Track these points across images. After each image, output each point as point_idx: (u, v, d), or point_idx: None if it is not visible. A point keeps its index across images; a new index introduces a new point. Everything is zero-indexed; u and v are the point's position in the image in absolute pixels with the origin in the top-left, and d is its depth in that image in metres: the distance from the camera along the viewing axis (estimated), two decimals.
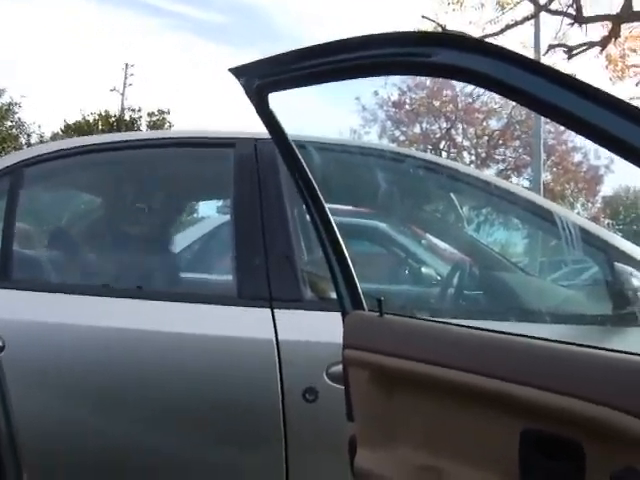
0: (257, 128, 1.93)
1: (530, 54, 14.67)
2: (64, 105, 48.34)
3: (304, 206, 1.91)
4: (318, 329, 2.28)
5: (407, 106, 27.19)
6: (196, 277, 3.24)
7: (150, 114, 27.58)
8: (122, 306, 2.47)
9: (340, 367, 1.86)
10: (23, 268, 2.68)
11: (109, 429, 2.33)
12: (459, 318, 2.35)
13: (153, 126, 26.44)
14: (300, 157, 1.81)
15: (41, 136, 26.47)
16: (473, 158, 27.31)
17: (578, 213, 24.41)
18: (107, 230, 3.21)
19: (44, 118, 46.27)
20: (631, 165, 1.15)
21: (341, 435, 1.84)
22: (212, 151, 2.85)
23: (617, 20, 12.84)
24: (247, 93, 1.69)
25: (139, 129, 25.44)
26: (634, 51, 14.15)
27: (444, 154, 26.57)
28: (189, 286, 2.96)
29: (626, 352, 1.34)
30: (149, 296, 2.53)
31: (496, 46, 1.36)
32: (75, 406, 2.35)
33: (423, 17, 14.53)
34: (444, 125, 27.57)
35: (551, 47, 14.25)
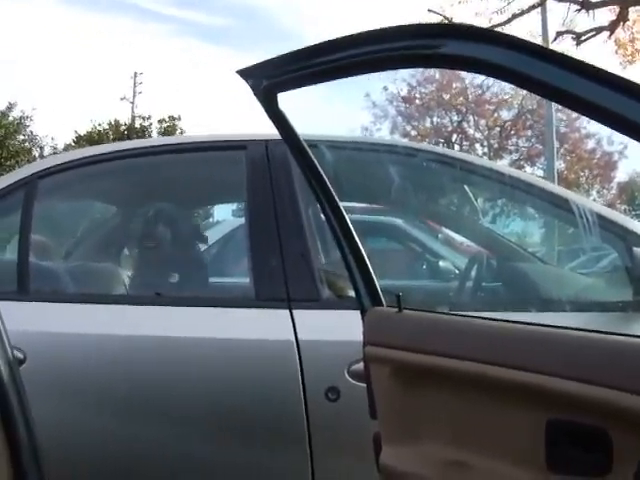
0: (268, 129, 1.93)
1: (538, 42, 14.60)
2: (75, 116, 48.62)
3: (318, 205, 1.91)
4: (337, 328, 2.27)
5: (417, 100, 27.18)
6: (214, 281, 3.24)
7: (160, 121, 27.68)
8: (141, 313, 2.47)
9: (361, 365, 1.86)
10: (41, 280, 2.69)
11: (133, 436, 2.33)
12: (479, 311, 2.34)
13: (164, 133, 26.52)
14: (312, 156, 1.80)
15: (54, 148, 26.61)
16: (486, 150, 27.25)
17: (594, 200, 24.29)
18: (123, 238, 3.22)
19: (56, 130, 46.53)
20: None
21: (365, 433, 1.83)
22: (223, 154, 2.86)
23: (624, 4, 12.76)
24: (255, 94, 1.69)
25: (150, 137, 25.52)
26: None
27: (456, 147, 26.51)
28: (208, 290, 2.96)
29: None
30: (168, 302, 2.54)
31: (506, 35, 1.35)
32: (99, 415, 2.35)
33: (429, 11, 14.52)
34: (455, 118, 27.54)
35: (559, 34, 14.18)
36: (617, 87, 1.15)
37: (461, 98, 26.71)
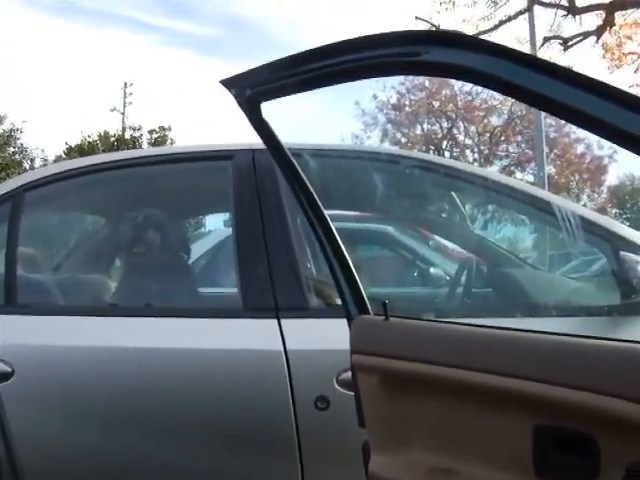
0: (256, 138, 1.93)
1: (526, 48, 14.67)
2: (66, 127, 48.57)
3: (303, 214, 1.90)
4: (326, 336, 2.27)
5: (407, 108, 27.21)
6: (203, 291, 3.23)
7: (151, 131, 27.66)
8: (130, 325, 2.46)
9: (350, 373, 1.85)
10: (28, 292, 2.68)
11: (123, 449, 2.32)
12: (468, 317, 2.34)
13: (154, 143, 26.49)
14: (296, 165, 1.80)
15: (44, 160, 26.55)
16: (476, 156, 27.30)
17: (584, 204, 24.36)
18: (111, 249, 3.21)
19: (46, 142, 46.49)
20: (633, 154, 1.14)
21: (355, 441, 1.82)
22: (210, 164, 2.85)
23: (611, 8, 12.83)
24: (239, 104, 1.69)
25: (141, 147, 25.49)
26: (630, 38, 14.11)
27: (447, 154, 26.56)
28: (196, 301, 2.95)
29: (635, 341, 1.32)
30: (157, 314, 2.53)
31: (488, 42, 1.35)
32: (88, 428, 2.34)
33: (417, 18, 14.55)
34: (445, 125, 27.58)
35: (546, 39, 14.24)
36: (600, 93, 1.15)
37: (451, 105, 26.76)
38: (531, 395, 1.38)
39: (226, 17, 46.01)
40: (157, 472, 2.33)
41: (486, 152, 27.19)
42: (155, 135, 27.46)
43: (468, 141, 27.80)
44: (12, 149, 25.69)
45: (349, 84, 1.57)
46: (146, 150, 9.35)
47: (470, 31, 14.07)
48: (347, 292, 1.84)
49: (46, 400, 2.35)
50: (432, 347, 1.60)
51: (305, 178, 1.81)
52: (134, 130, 28.31)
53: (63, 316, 2.53)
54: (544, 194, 2.74)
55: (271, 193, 2.54)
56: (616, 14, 13.08)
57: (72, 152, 25.73)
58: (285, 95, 1.64)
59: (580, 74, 1.18)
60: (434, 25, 14.18)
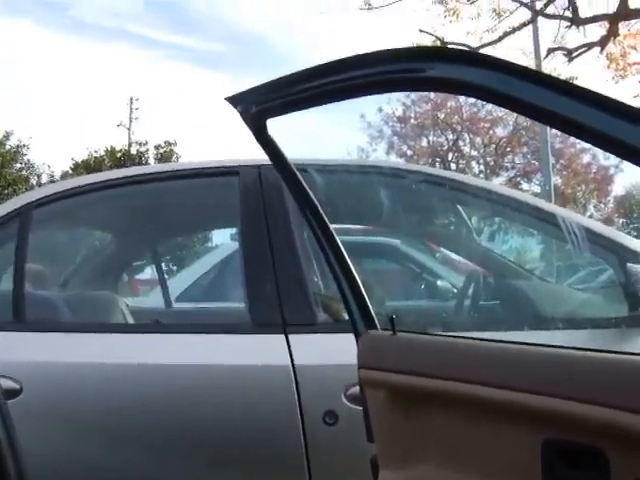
0: (262, 154, 1.93)
1: (530, 60, 14.70)
2: (72, 143, 48.64)
3: (310, 229, 1.91)
4: (334, 351, 2.27)
5: (412, 120, 27.26)
6: (211, 307, 3.24)
7: (157, 147, 27.71)
8: (139, 341, 2.47)
9: (358, 388, 1.85)
10: (37, 309, 2.69)
11: (131, 466, 2.32)
12: (476, 330, 2.34)
13: (161, 159, 26.50)
14: (302, 181, 1.81)
15: (51, 176, 26.60)
16: (482, 167, 27.31)
17: (591, 214, 24.32)
18: (119, 265, 3.22)
19: (53, 158, 46.64)
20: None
21: (364, 456, 1.82)
22: (217, 180, 2.87)
23: (614, 19, 12.82)
24: (245, 121, 1.70)
25: (147, 162, 25.54)
26: (634, 48, 14.12)
27: (453, 165, 26.57)
28: (205, 317, 2.96)
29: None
30: (165, 330, 2.54)
31: (493, 57, 1.35)
32: (96, 445, 2.34)
33: (421, 31, 14.56)
34: (451, 137, 27.61)
35: (550, 51, 14.23)
36: (602, 106, 1.16)
37: (456, 117, 26.80)
38: (539, 409, 1.37)
39: (230, 32, 46.17)
40: None
41: (492, 164, 27.20)
42: (161, 150, 27.49)
43: (474, 153, 27.83)
44: (19, 165, 25.73)
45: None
46: (153, 167, 9.40)
47: (474, 43, 14.09)
48: (354, 307, 1.84)
49: (55, 417, 2.35)
50: (440, 362, 1.60)
51: (311, 193, 1.82)
52: (140, 145, 28.35)
53: (72, 333, 2.54)
54: (550, 206, 2.74)
55: (277, 208, 2.54)
56: (620, 24, 13.08)
57: (78, 168, 25.76)
58: (290, 112, 1.65)
59: (581, 87, 1.19)
60: (438, 38, 14.20)
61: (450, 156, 27.53)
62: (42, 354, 2.42)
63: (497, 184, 15.85)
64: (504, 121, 26.31)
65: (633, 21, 13.58)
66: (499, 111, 25.22)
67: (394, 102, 25.63)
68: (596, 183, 26.46)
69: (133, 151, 27.65)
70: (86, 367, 2.38)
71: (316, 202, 1.82)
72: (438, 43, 13.78)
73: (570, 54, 13.78)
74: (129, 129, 29.72)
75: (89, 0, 41.65)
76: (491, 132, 26.86)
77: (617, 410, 1.25)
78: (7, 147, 25.14)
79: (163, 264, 3.51)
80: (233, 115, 1.71)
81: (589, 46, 13.65)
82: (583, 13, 13.06)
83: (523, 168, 26.80)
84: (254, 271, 2.52)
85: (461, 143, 27.68)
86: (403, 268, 4.33)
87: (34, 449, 2.30)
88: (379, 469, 1.74)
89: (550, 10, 13.81)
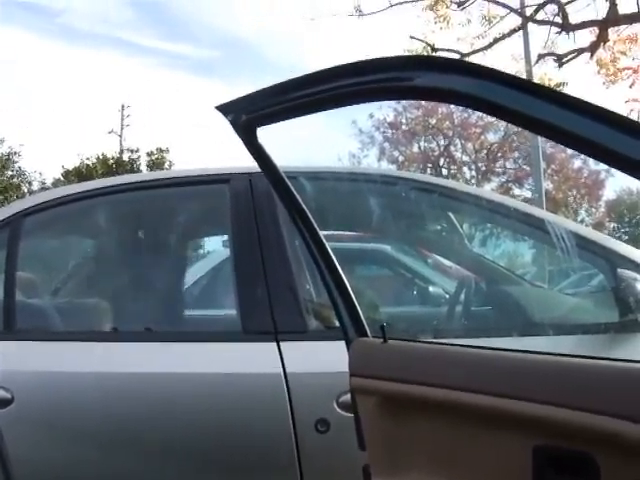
0: (253, 162, 1.94)
1: (521, 65, 14.74)
2: (63, 150, 48.59)
3: (300, 237, 1.91)
4: (326, 359, 2.27)
5: (404, 126, 27.32)
6: (202, 315, 3.24)
7: (149, 154, 27.65)
8: (130, 350, 2.46)
9: (350, 396, 1.85)
10: (27, 318, 2.68)
11: (123, 474, 2.31)
12: (467, 336, 2.34)
13: (152, 166, 26.45)
14: (292, 188, 1.81)
15: (42, 183, 26.53)
16: (474, 173, 27.37)
17: (582, 219, 24.38)
18: (109, 274, 3.21)
19: (44, 165, 46.53)
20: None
21: (356, 464, 1.82)
22: (207, 188, 2.87)
23: (604, 24, 12.87)
24: (235, 129, 1.70)
25: (138, 170, 25.48)
26: (624, 54, 14.16)
27: (444, 171, 26.63)
28: (196, 325, 2.95)
29: (632, 360, 1.33)
30: (157, 338, 2.53)
31: (480, 65, 1.36)
32: (88, 454, 2.33)
33: (411, 37, 14.56)
34: (442, 142, 27.67)
35: (541, 57, 14.27)
36: (588, 114, 1.16)
37: (447, 122, 26.86)
38: (530, 416, 1.38)
39: (222, 39, 46.24)
40: None
41: (483, 169, 27.26)
42: (153, 157, 27.45)
43: (465, 158, 27.89)
44: (10, 172, 25.64)
45: None
46: (144, 174, 9.39)
47: (465, 49, 14.12)
48: (345, 314, 1.84)
49: (46, 426, 2.35)
50: (431, 369, 1.60)
51: (301, 201, 1.82)
52: (132, 152, 28.30)
53: (62, 342, 2.53)
54: (540, 212, 2.75)
55: (268, 216, 2.55)
56: (609, 30, 13.14)
57: (70, 175, 25.69)
58: (280, 120, 1.65)
59: (568, 95, 1.20)
60: (429, 44, 14.21)
61: (441, 161, 27.59)
62: (33, 363, 2.41)
63: (488, 190, 15.89)
64: (495, 126, 26.37)
65: (622, 27, 13.64)
66: (490, 117, 25.30)
67: (385, 108, 25.70)
68: (587, 188, 26.55)
69: (125, 158, 27.59)
70: (77, 376, 2.38)
71: (306, 209, 1.82)
72: (429, 49, 13.79)
73: (560, 60, 13.82)
74: (120, 136, 29.73)
75: (80, 7, 41.76)
76: (482, 137, 26.93)
77: (608, 416, 1.26)
78: None
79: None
80: (225, 122, 1.71)
81: (579, 52, 13.69)
82: (573, 19, 13.11)
83: (514, 173, 26.86)
84: (245, 279, 2.52)
85: (452, 149, 27.74)
86: (394, 274, 4.32)
87: (25, 458, 2.30)
88: (371, 477, 1.74)
89: (540, 16, 13.86)
